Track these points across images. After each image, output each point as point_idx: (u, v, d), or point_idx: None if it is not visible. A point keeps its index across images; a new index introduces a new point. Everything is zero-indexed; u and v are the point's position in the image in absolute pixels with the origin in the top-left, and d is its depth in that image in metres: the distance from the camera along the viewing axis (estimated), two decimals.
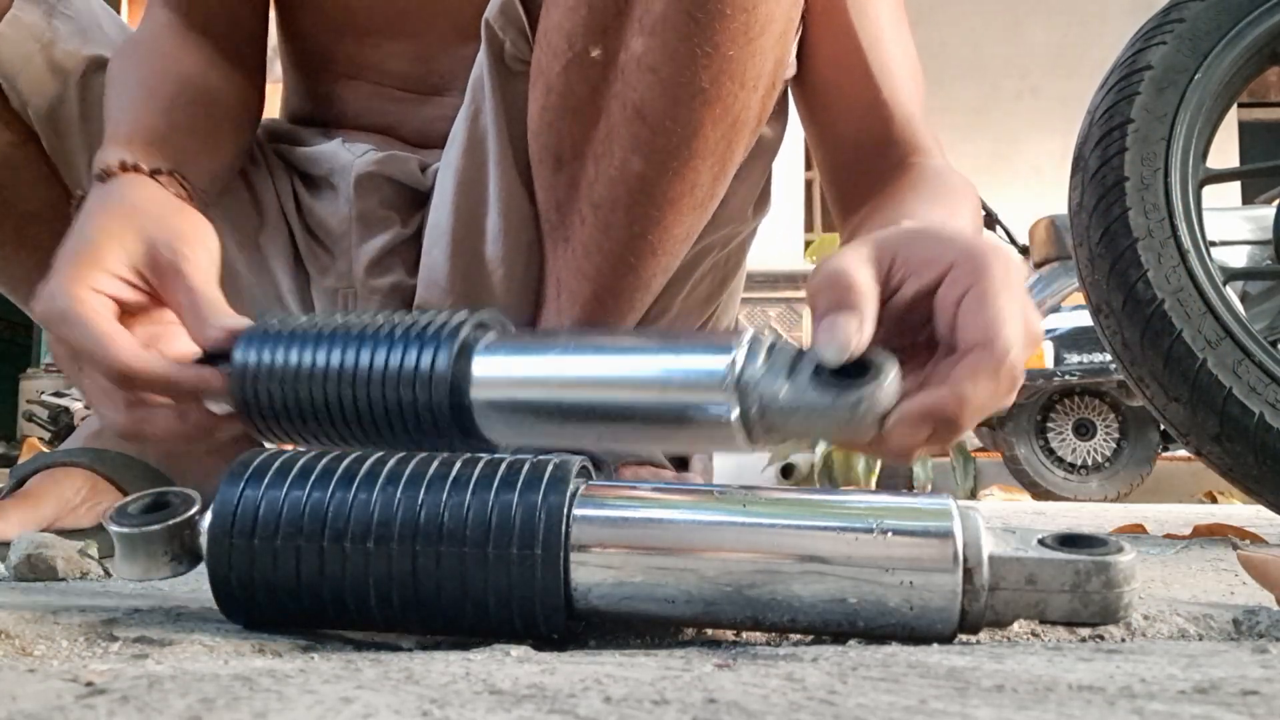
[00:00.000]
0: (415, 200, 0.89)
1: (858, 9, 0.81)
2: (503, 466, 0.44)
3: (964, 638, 0.43)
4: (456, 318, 0.53)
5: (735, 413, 0.46)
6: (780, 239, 4.45)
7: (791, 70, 0.82)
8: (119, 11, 4.02)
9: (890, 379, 0.46)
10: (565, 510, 0.42)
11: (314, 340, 0.54)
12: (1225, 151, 5.27)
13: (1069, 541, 0.42)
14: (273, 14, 0.94)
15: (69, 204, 0.90)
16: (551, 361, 0.50)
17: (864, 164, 0.82)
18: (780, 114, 0.86)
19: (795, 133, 0.91)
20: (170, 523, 0.45)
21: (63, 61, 0.87)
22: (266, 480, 0.44)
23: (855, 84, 0.82)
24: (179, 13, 0.86)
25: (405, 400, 0.52)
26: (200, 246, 0.64)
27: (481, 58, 0.81)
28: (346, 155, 0.89)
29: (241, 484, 0.44)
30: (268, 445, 0.57)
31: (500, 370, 0.51)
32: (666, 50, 0.69)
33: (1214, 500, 3.65)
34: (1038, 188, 5.17)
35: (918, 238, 0.53)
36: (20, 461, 0.81)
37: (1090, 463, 4.07)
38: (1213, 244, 1.22)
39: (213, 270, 0.64)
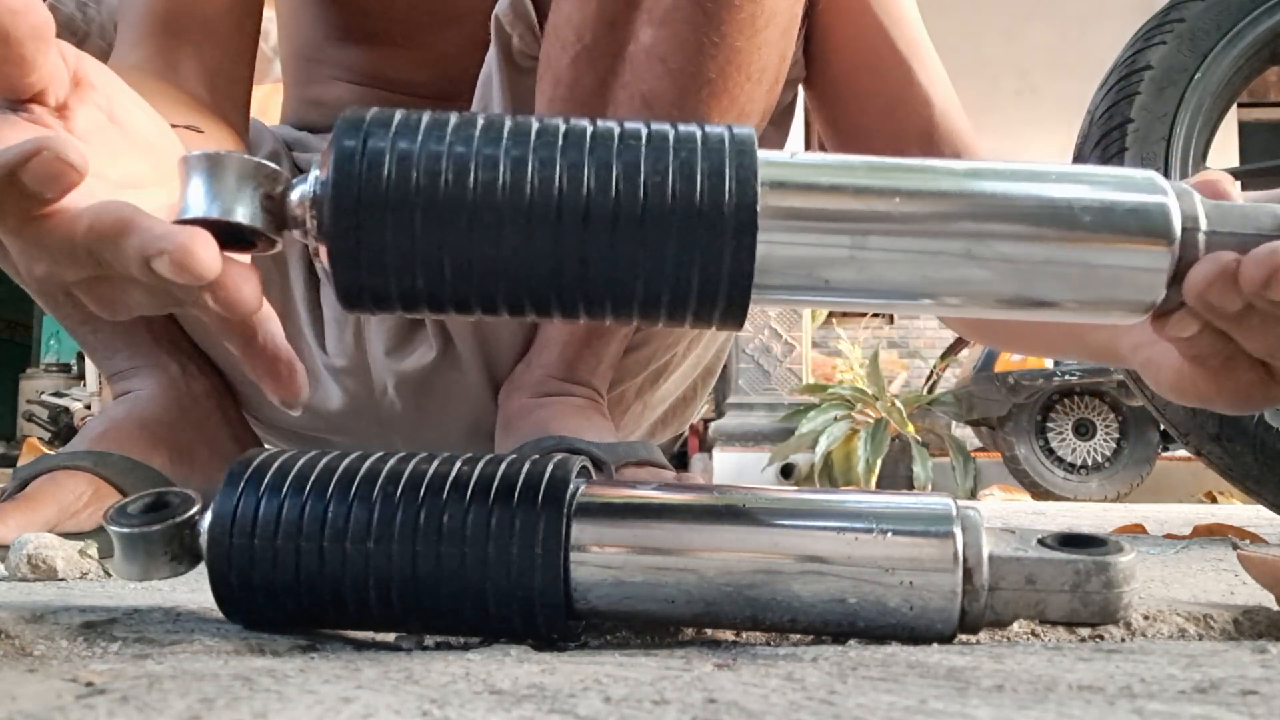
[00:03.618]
0: None
1: None
2: (503, 466, 0.44)
3: (964, 638, 0.43)
4: None
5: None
6: None
7: (800, 72, 0.82)
8: None
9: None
10: (565, 510, 0.42)
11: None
12: (1225, 151, 5.27)
13: (1069, 541, 0.43)
14: (276, 21, 0.94)
15: None
16: None
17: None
18: (783, 120, 0.86)
19: (795, 133, 0.91)
20: (170, 523, 0.45)
21: (96, 56, 0.86)
22: (266, 480, 0.44)
23: (882, 65, 0.78)
24: (157, 54, 0.70)
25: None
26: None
27: (490, 54, 0.81)
28: None
29: (241, 484, 0.44)
30: (267, 446, 0.56)
31: None
32: (676, 40, 0.69)
33: (1214, 500, 3.65)
34: None
35: None
36: (20, 462, 0.80)
37: (1090, 463, 4.07)
38: None
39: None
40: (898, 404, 4.04)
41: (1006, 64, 5.88)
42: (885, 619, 0.41)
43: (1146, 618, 0.47)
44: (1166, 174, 1.18)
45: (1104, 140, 1.21)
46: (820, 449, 3.94)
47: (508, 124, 0.38)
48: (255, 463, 0.45)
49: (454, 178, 0.37)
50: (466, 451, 0.46)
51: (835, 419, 4.02)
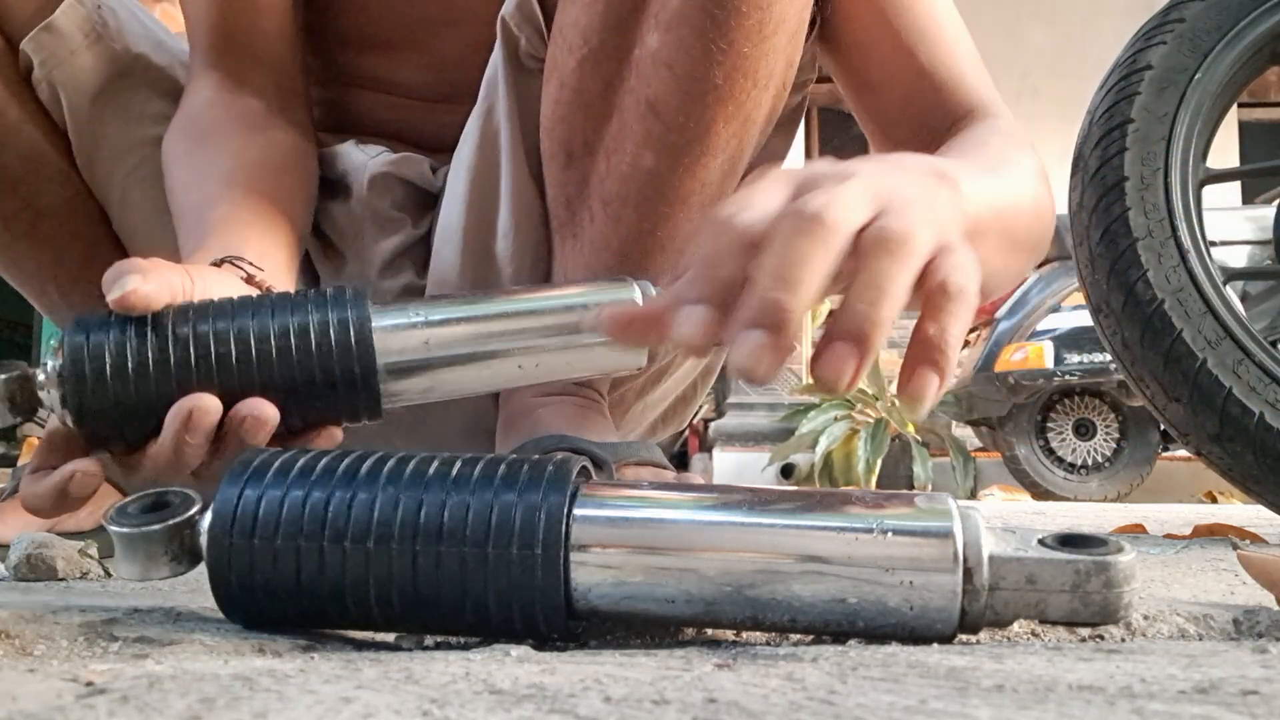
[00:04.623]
0: (426, 202, 0.89)
1: None
2: (503, 466, 0.44)
3: (964, 638, 0.43)
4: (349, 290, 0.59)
5: None
6: None
7: (808, 75, 0.82)
8: None
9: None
10: (565, 510, 0.42)
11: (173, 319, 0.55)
12: (1225, 151, 5.27)
13: (1069, 541, 0.42)
14: None
15: (87, 201, 0.90)
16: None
17: (928, 143, 0.78)
18: (790, 124, 0.86)
19: (797, 134, 0.91)
20: (170, 523, 0.45)
21: (105, 57, 0.86)
22: (266, 480, 0.44)
23: (893, 58, 0.79)
24: (228, 75, 0.84)
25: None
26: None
27: (496, 56, 0.81)
28: (360, 156, 0.89)
29: (241, 484, 0.44)
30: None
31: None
32: (682, 46, 0.69)
33: (1214, 500, 3.66)
34: None
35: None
36: (21, 462, 0.80)
37: (1090, 463, 4.07)
38: (1213, 244, 1.22)
39: None
40: (898, 404, 4.04)
41: (1006, 64, 5.87)
42: (885, 619, 0.41)
43: (1146, 618, 0.47)
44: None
45: (1104, 140, 1.21)
46: (820, 449, 3.95)
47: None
48: (255, 462, 0.45)
49: (135, 359, 0.54)
50: (466, 451, 0.46)
51: (835, 419, 4.03)
